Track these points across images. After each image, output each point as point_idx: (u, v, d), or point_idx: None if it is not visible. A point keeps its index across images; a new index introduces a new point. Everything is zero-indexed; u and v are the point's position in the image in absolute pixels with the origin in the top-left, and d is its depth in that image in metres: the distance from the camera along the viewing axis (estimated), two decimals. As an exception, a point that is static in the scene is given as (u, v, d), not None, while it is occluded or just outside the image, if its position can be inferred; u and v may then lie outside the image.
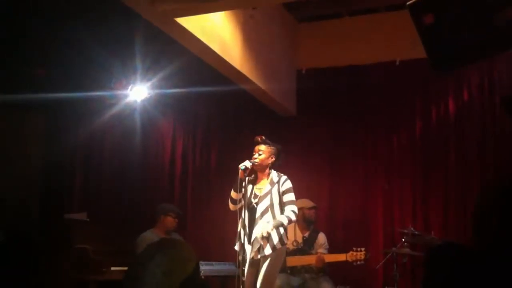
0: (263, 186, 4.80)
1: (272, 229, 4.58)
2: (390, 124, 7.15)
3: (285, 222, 4.65)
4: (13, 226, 5.43)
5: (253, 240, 4.60)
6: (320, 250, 6.07)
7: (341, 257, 5.85)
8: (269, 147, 4.82)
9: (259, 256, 4.62)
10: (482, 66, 6.56)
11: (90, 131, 5.96)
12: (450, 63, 2.90)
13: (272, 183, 4.78)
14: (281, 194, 4.75)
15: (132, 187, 6.38)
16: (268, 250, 4.60)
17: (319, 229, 6.32)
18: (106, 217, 6.03)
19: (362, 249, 5.80)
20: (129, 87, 5.70)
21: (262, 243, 4.59)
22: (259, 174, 4.84)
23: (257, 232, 4.59)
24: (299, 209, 6.14)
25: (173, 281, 1.82)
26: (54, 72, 5.34)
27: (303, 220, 6.18)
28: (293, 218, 4.71)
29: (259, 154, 4.77)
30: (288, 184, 4.79)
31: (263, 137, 4.86)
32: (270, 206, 4.69)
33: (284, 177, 4.82)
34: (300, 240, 6.09)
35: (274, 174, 4.84)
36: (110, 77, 5.55)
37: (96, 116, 5.89)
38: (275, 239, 4.62)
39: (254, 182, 4.83)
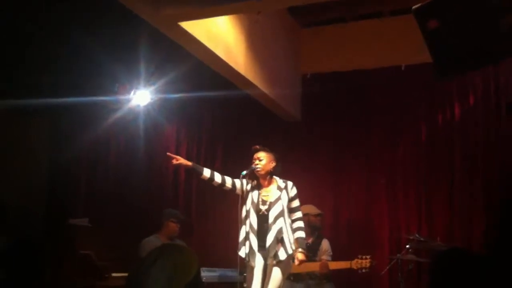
0: (270, 192, 4.82)
1: (303, 252, 4.80)
2: (395, 129, 7.13)
3: (304, 235, 4.90)
4: (17, 232, 5.43)
5: (269, 247, 4.64)
6: (324, 257, 6.04)
7: (346, 264, 5.82)
8: (268, 153, 4.87)
9: (274, 262, 4.67)
10: (487, 70, 6.53)
11: (94, 136, 5.95)
12: (455, 67, 2.88)
13: (280, 189, 4.82)
14: (289, 200, 4.83)
15: (136, 192, 6.36)
16: (283, 255, 4.66)
17: (323, 236, 6.29)
18: (110, 222, 6.01)
19: (368, 256, 5.77)
20: (133, 92, 5.69)
21: (277, 249, 4.65)
22: (262, 181, 4.85)
23: (272, 238, 4.65)
24: (304, 215, 6.16)
25: (176, 286, 1.81)
26: (58, 78, 5.34)
27: (308, 226, 6.13)
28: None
29: (260, 160, 4.80)
30: (296, 190, 4.89)
31: (260, 145, 4.94)
32: (282, 212, 4.74)
33: (290, 183, 4.89)
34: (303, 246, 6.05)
35: (279, 180, 4.88)
36: (114, 82, 5.55)
37: (100, 122, 5.88)
38: (288, 244, 4.69)
39: (258, 188, 4.83)
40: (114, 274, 5.08)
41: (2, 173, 5.77)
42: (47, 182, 6.10)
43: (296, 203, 4.87)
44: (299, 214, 4.90)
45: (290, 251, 4.68)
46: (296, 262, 4.81)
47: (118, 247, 5.55)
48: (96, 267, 5.12)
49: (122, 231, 5.88)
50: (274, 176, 4.88)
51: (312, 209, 6.19)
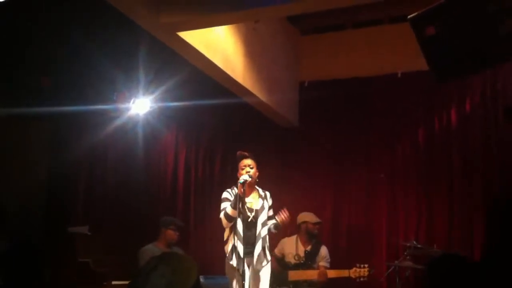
0: (254, 200, 4.87)
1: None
2: (393, 136, 7.14)
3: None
4: (17, 234, 5.42)
5: (258, 254, 4.72)
6: (322, 263, 6.04)
7: (344, 273, 5.83)
8: (255, 161, 4.86)
9: (260, 268, 4.77)
10: (485, 75, 6.54)
11: (93, 144, 5.96)
12: (451, 74, 2.90)
13: (262, 197, 4.89)
14: (268, 208, 4.90)
15: (135, 200, 6.37)
16: (265, 262, 4.80)
17: (322, 242, 6.29)
18: (109, 229, 6.01)
19: (366, 265, 5.79)
20: (132, 100, 5.71)
21: (262, 256, 4.75)
22: (247, 189, 4.77)
23: (260, 246, 4.73)
24: (303, 222, 6.14)
25: (175, 294, 1.81)
26: (58, 84, 5.35)
27: (306, 233, 6.15)
28: None
29: (251, 168, 4.78)
30: (271, 200, 4.98)
31: (248, 151, 4.90)
32: (266, 220, 4.84)
33: (268, 192, 4.97)
34: (302, 254, 6.04)
35: (259, 188, 4.95)
36: (113, 90, 5.56)
37: (99, 129, 5.89)
38: (267, 250, 4.84)
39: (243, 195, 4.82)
40: (114, 282, 5.08)
41: (2, 175, 5.78)
42: (46, 185, 6.10)
43: (271, 212, 4.93)
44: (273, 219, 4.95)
45: (269, 258, 4.84)
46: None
47: (117, 253, 5.55)
48: (94, 274, 5.12)
49: (121, 238, 5.88)
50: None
51: (311, 217, 6.19)
